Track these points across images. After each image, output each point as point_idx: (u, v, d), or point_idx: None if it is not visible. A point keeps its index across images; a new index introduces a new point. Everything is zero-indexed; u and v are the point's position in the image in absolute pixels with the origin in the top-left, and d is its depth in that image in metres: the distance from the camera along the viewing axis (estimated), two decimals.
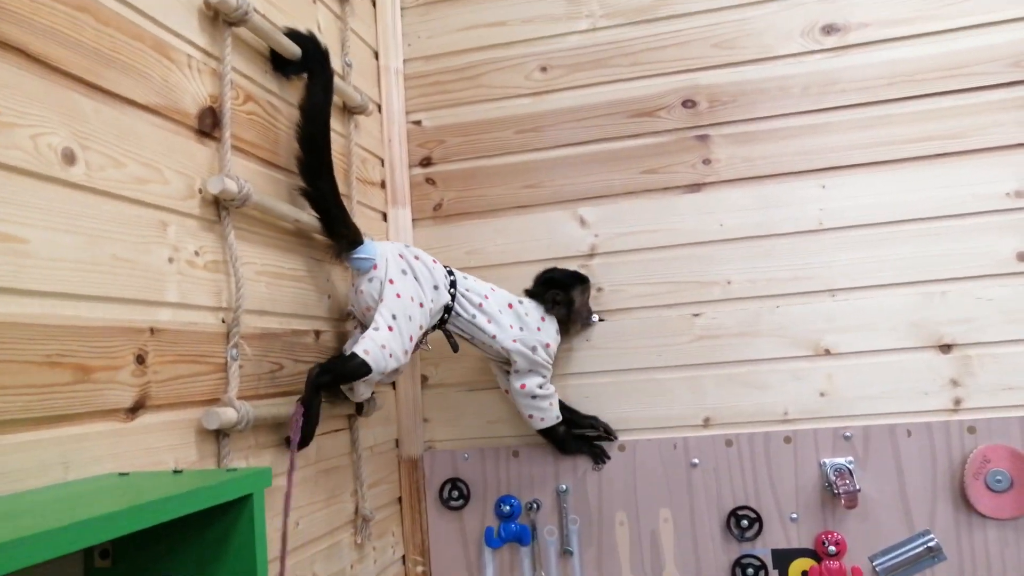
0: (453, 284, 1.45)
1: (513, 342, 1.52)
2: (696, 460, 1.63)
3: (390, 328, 1.30)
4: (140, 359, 0.95)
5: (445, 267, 1.46)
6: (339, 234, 1.34)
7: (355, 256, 1.35)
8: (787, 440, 1.59)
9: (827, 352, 1.60)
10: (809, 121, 1.65)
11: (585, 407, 1.70)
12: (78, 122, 0.88)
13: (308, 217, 1.32)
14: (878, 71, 1.62)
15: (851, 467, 1.55)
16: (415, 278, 1.37)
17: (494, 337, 1.50)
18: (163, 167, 1.03)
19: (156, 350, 0.98)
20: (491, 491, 1.72)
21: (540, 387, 1.57)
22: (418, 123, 1.83)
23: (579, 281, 1.63)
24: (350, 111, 1.61)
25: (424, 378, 1.78)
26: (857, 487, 1.51)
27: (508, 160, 1.78)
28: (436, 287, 1.41)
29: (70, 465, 0.84)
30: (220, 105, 1.16)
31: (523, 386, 1.56)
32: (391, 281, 1.33)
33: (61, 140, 0.86)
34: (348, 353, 1.28)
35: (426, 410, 1.78)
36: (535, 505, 1.69)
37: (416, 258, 1.40)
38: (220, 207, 1.13)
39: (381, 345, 1.28)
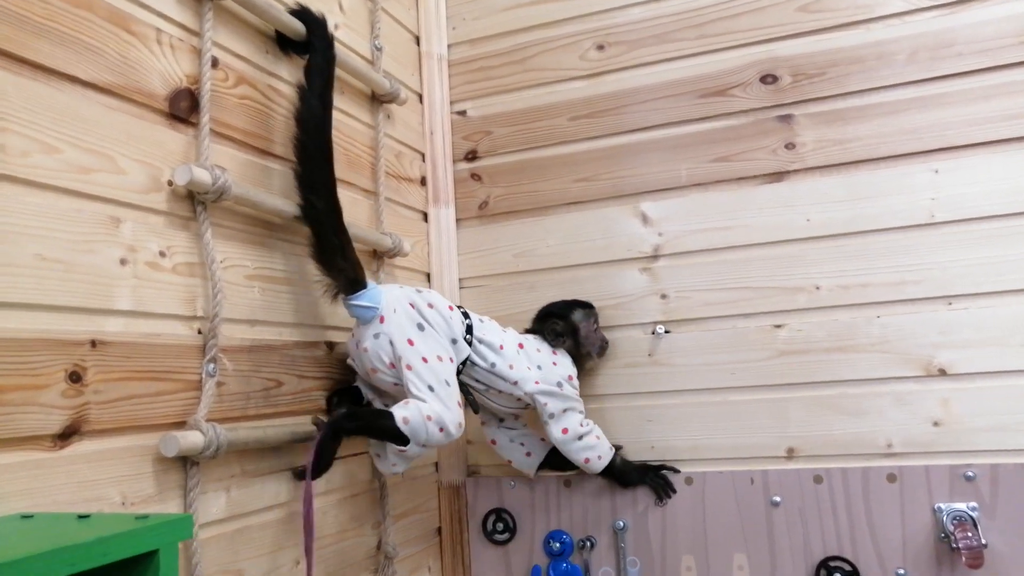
0: (469, 330, 1.25)
1: (535, 384, 1.31)
2: (778, 498, 1.37)
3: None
4: (75, 376, 0.81)
5: (460, 309, 1.26)
6: (335, 268, 1.11)
7: (354, 302, 1.13)
8: (891, 478, 1.31)
9: (942, 372, 1.31)
10: (917, 93, 1.36)
11: (647, 433, 1.47)
12: None
13: None
14: (1004, 28, 1.32)
15: (975, 515, 1.26)
16: (434, 330, 1.18)
17: (516, 383, 1.29)
18: (116, 155, 0.89)
19: (99, 365, 0.84)
20: (540, 525, 1.51)
21: (582, 424, 1.36)
22: (463, 113, 1.66)
23: (577, 306, 1.43)
24: (379, 99, 1.45)
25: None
26: (983, 541, 1.21)
27: (561, 151, 1.58)
28: (455, 341, 1.21)
29: None
30: (199, 87, 1.02)
31: (565, 431, 1.34)
32: (410, 342, 1.13)
33: None
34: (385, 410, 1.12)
35: (469, 431, 1.60)
36: (589, 543, 1.47)
37: (430, 306, 1.19)
38: (195, 202, 0.99)
39: (427, 416, 1.10)
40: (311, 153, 1.11)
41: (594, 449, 1.38)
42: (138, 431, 0.89)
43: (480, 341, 1.26)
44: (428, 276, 1.61)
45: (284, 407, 1.13)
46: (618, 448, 1.43)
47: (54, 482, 0.78)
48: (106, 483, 0.84)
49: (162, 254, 0.94)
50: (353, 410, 1.17)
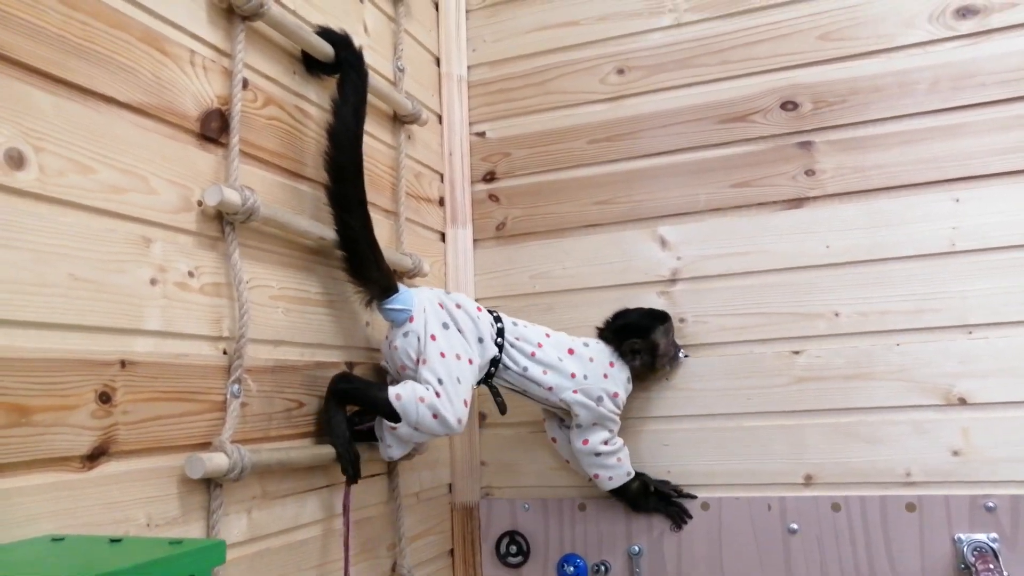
0: (501, 332, 1.26)
1: (574, 393, 1.31)
2: (795, 526, 1.36)
3: (438, 395, 1.12)
4: (104, 397, 0.81)
5: (492, 312, 1.28)
6: (369, 279, 1.16)
7: (388, 306, 1.17)
8: (910, 507, 1.31)
9: (961, 401, 1.31)
10: (938, 122, 1.37)
11: (663, 457, 1.46)
12: (29, 119, 0.76)
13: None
14: None
15: (995, 547, 1.25)
16: (459, 331, 1.20)
17: (551, 389, 1.30)
18: (149, 175, 0.89)
19: (128, 386, 0.84)
20: (553, 548, 1.50)
21: (605, 443, 1.35)
22: (482, 135, 1.67)
23: (658, 321, 1.40)
24: (401, 120, 1.46)
25: (482, 416, 1.60)
26: (1005, 573, 1.21)
27: (579, 173, 1.59)
28: (481, 340, 1.22)
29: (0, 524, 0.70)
30: (229, 108, 1.02)
31: (585, 442, 1.35)
32: (432, 338, 1.16)
33: (5, 139, 0.73)
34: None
35: (484, 452, 1.59)
36: (603, 568, 1.46)
37: (458, 307, 1.22)
38: (224, 222, 0.99)
39: (419, 398, 1.11)
40: (344, 170, 1.13)
41: (607, 469, 1.38)
42: (164, 452, 0.88)
43: (512, 345, 1.27)
44: None
45: (305, 428, 1.13)
46: (639, 475, 1.42)
47: (83, 503, 0.78)
48: (133, 504, 0.84)
49: (191, 274, 0.94)
50: (348, 374, 1.20)
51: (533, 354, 1.29)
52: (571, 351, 1.34)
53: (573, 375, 1.32)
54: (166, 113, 0.93)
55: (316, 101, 1.22)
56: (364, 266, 1.15)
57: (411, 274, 1.40)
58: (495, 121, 1.66)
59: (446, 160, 1.65)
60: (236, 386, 0.98)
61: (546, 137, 1.62)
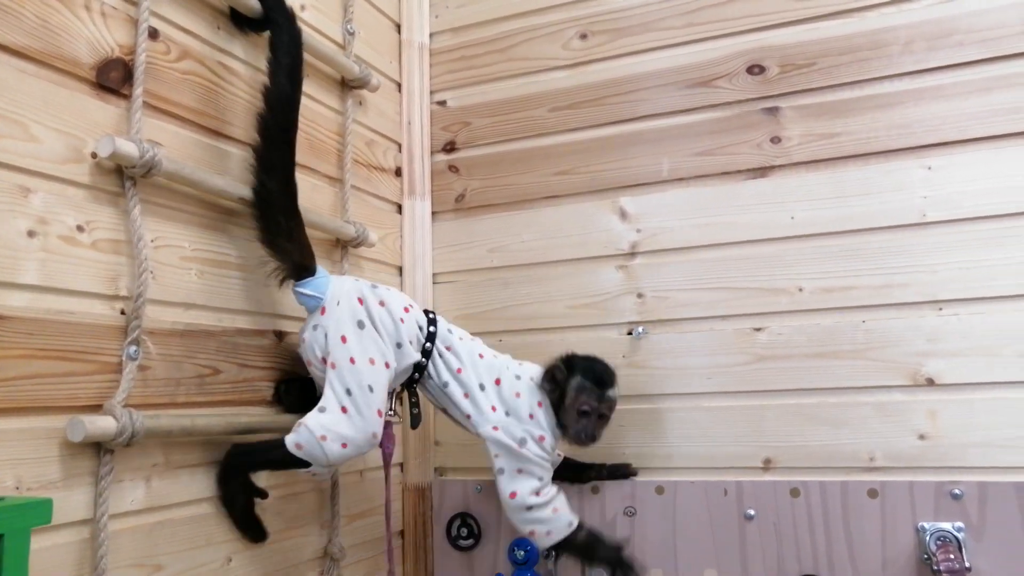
0: (432, 337, 1.17)
1: (493, 430, 1.17)
2: (752, 511, 1.29)
3: (343, 409, 1.03)
4: None
5: (428, 313, 1.18)
6: (281, 249, 1.06)
7: (299, 289, 1.07)
8: (872, 494, 1.23)
9: (929, 382, 1.23)
10: (911, 85, 1.28)
11: (620, 437, 1.40)
12: None
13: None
14: (1007, 16, 1.24)
15: (960, 536, 1.17)
16: (375, 330, 1.08)
17: (468, 417, 1.19)
18: (28, 121, 0.85)
19: None
20: (505, 532, 1.45)
21: (536, 493, 1.18)
22: (443, 103, 1.61)
23: (590, 376, 1.20)
24: (348, 85, 1.41)
25: None
26: (967, 564, 1.12)
27: (540, 143, 1.52)
28: (400, 345, 1.11)
29: None
30: (133, 58, 0.98)
31: (513, 495, 1.17)
32: (343, 339, 1.05)
33: None
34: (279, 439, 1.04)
35: (438, 432, 1.54)
36: (554, 552, 1.40)
37: (381, 304, 1.10)
38: (124, 177, 0.95)
39: (320, 437, 1.01)
40: (272, 132, 1.07)
41: (543, 523, 1.19)
42: (42, 413, 0.84)
43: (441, 355, 1.16)
44: (400, 270, 1.55)
45: (221, 396, 1.08)
46: (582, 524, 1.22)
47: None
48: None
49: (80, 228, 0.90)
50: (241, 445, 1.06)
51: (459, 370, 1.17)
52: (498, 381, 1.20)
53: (493, 408, 1.19)
54: (52, 59, 0.88)
55: (244, 58, 1.17)
56: (276, 234, 1.06)
57: (355, 243, 1.35)
58: (457, 89, 1.60)
59: (404, 129, 1.59)
60: (133, 348, 0.94)
61: (507, 105, 1.56)
